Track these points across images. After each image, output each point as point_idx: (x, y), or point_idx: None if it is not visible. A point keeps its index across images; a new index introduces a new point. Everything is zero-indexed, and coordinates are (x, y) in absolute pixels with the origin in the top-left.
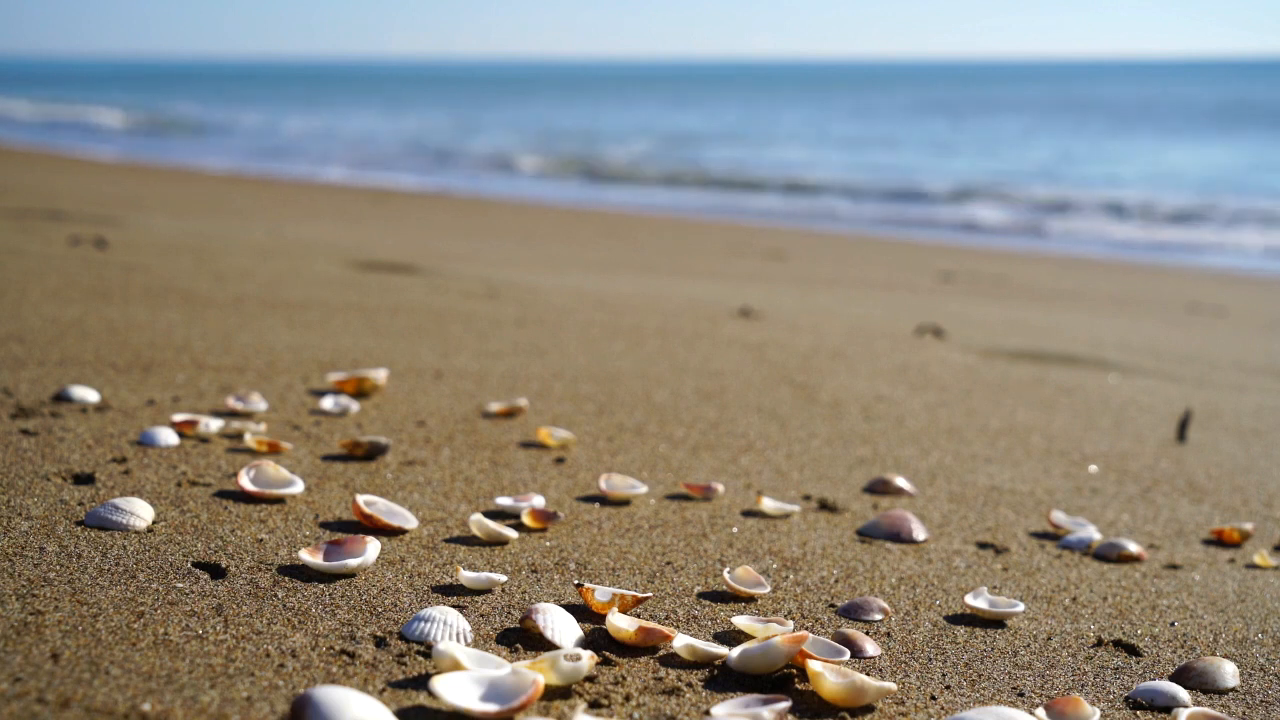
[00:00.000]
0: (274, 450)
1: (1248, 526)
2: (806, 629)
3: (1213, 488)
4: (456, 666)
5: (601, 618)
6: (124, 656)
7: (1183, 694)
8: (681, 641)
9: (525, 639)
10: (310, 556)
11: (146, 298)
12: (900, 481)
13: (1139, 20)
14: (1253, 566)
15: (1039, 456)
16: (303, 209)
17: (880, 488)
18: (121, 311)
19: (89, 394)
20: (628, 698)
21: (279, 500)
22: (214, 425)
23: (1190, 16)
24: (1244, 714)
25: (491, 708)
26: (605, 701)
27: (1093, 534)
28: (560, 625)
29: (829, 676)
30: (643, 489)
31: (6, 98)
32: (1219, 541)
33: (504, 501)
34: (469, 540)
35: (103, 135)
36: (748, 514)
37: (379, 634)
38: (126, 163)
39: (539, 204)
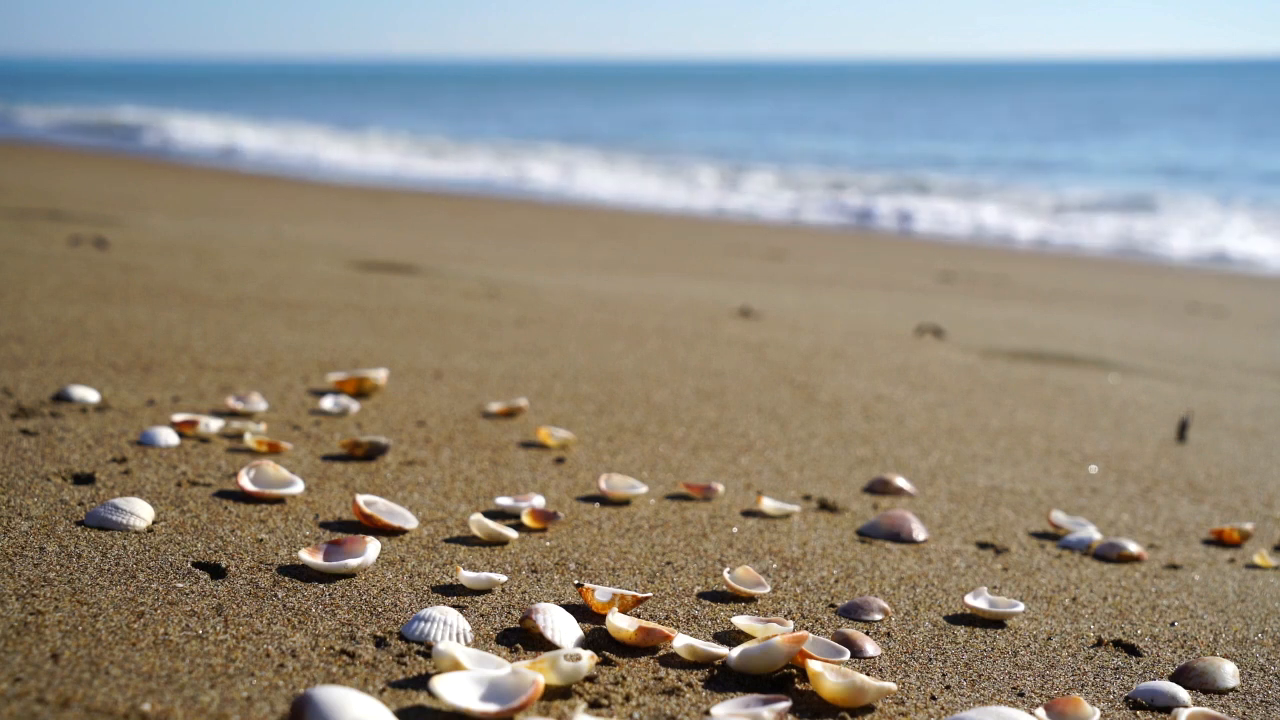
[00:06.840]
0: (274, 450)
1: (1248, 526)
2: (806, 629)
3: (1213, 488)
4: (456, 666)
5: (601, 618)
6: (124, 656)
7: (1183, 694)
8: (681, 641)
9: (525, 639)
10: (310, 556)
11: (146, 298)
12: (900, 481)
13: (1139, 20)
14: (1253, 566)
15: (1039, 456)
16: (303, 209)
17: (880, 488)
18: (121, 311)
19: (89, 394)
20: (628, 698)
21: (279, 500)
22: (214, 425)
23: (1190, 17)
24: (1244, 714)
25: (491, 708)
26: (605, 701)
27: (1093, 534)
28: (560, 625)
29: (829, 676)
30: (643, 489)
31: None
32: (1219, 541)
33: (504, 501)
34: (469, 540)
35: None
36: (748, 514)
37: (379, 634)
38: (125, 161)
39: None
